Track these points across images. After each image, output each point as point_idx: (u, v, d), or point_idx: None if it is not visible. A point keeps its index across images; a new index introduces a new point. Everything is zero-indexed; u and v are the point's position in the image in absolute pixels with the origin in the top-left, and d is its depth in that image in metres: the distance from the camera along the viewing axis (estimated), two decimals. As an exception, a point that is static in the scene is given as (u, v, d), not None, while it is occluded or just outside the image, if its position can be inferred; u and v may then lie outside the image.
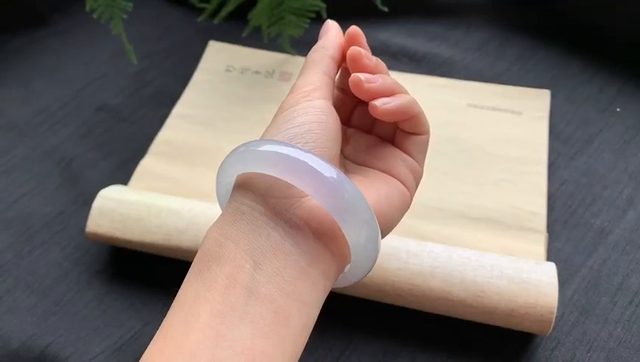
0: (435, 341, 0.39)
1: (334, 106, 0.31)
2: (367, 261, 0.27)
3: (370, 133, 0.32)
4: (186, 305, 0.24)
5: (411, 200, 0.31)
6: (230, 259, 0.24)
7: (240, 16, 0.55)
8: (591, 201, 0.45)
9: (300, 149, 0.25)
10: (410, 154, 0.31)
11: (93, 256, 0.44)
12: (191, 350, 0.22)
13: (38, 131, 0.53)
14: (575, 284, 0.41)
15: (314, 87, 0.29)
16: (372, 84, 0.28)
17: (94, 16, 0.48)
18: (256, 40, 0.57)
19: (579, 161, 0.47)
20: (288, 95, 0.29)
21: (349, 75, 0.29)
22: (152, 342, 0.24)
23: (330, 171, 0.24)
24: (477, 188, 0.45)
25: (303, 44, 0.56)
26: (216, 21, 0.55)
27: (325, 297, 0.26)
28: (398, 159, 0.30)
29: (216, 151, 0.49)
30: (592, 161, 0.47)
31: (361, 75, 0.28)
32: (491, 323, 0.37)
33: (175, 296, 0.25)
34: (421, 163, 0.31)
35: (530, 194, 0.44)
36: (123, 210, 0.41)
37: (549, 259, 0.41)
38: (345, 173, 0.29)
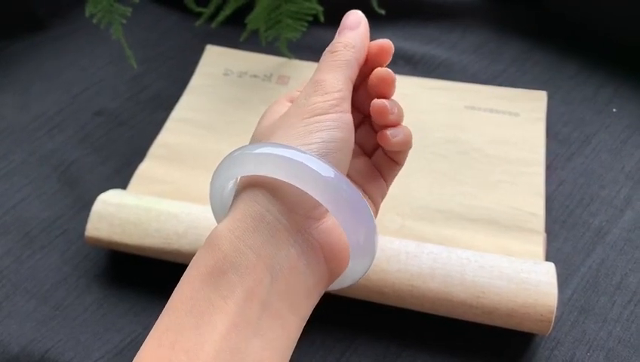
0: (435, 342, 0.39)
1: None
2: (366, 258, 0.27)
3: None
4: (198, 311, 0.23)
5: None
6: (250, 271, 0.24)
7: (237, 20, 0.55)
8: (589, 201, 0.45)
9: (300, 151, 0.25)
10: (386, 181, 0.32)
11: (93, 261, 0.44)
12: (205, 360, 0.22)
13: (37, 136, 0.53)
14: (574, 284, 0.41)
15: (343, 95, 0.28)
16: (397, 138, 0.29)
17: (94, 21, 0.48)
18: (253, 44, 0.57)
19: (576, 161, 0.47)
20: (315, 93, 0.28)
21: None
22: (149, 341, 0.23)
23: (328, 171, 0.25)
24: (476, 189, 0.45)
25: (300, 48, 0.56)
26: (213, 25, 0.55)
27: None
28: (379, 190, 0.31)
29: (215, 155, 0.49)
30: (589, 162, 0.47)
31: (389, 132, 0.29)
32: (491, 323, 0.37)
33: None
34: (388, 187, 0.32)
35: (528, 195, 0.44)
36: (122, 214, 0.41)
37: (547, 259, 0.42)
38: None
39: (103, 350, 0.39)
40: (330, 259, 0.26)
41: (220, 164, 0.28)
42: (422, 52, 0.57)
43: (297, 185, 0.25)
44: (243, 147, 0.27)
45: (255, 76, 0.55)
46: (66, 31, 0.63)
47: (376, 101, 0.28)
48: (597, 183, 0.46)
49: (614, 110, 0.51)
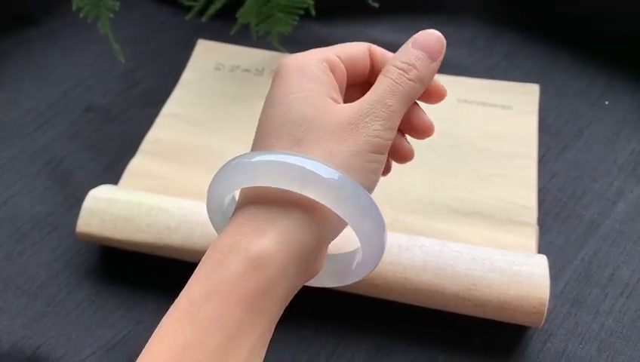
0: (428, 335, 0.39)
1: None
2: (376, 251, 0.27)
3: None
4: (226, 332, 0.23)
5: None
6: (282, 302, 0.25)
7: (228, 14, 0.55)
8: (581, 194, 0.45)
9: (303, 156, 0.25)
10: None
11: (84, 257, 0.44)
12: None
13: (27, 132, 0.52)
14: (566, 276, 0.41)
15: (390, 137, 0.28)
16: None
17: (81, 15, 0.48)
18: (245, 38, 0.56)
19: (568, 154, 0.48)
20: (377, 119, 0.27)
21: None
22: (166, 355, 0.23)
23: (331, 173, 0.25)
24: (468, 182, 0.45)
25: (292, 41, 0.56)
26: (204, 19, 0.55)
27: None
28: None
29: (207, 150, 0.49)
30: (581, 154, 0.47)
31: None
32: (483, 316, 0.37)
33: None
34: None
35: (520, 188, 0.44)
36: (113, 209, 0.41)
37: (540, 252, 0.42)
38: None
39: (94, 346, 0.39)
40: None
41: (218, 173, 0.27)
42: (414, 46, 0.57)
43: (310, 196, 0.25)
44: (241, 155, 0.27)
45: (247, 70, 0.54)
46: (57, 27, 0.62)
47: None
48: (589, 176, 0.46)
49: (606, 103, 0.51)
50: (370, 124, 0.27)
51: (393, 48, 0.56)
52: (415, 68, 0.28)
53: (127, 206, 0.41)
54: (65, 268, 0.43)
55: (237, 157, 0.26)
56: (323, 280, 0.30)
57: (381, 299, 0.39)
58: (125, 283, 0.42)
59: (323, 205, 0.25)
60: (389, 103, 0.27)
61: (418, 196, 0.44)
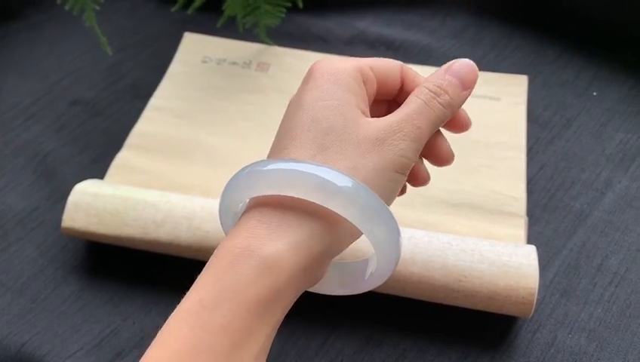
0: (417, 326, 0.38)
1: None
2: (391, 259, 0.27)
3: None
4: (236, 338, 0.23)
5: None
6: (288, 304, 0.26)
7: (215, 6, 0.54)
8: (570, 184, 0.45)
9: (314, 164, 0.25)
10: None
11: (70, 252, 0.43)
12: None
13: (12, 126, 0.51)
14: (555, 267, 0.41)
15: (411, 161, 0.28)
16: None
17: (66, 7, 0.47)
18: (232, 30, 0.56)
19: (557, 144, 0.47)
20: (405, 138, 0.27)
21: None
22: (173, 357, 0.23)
23: (344, 181, 0.24)
24: (457, 174, 0.45)
25: (279, 34, 0.56)
26: (190, 11, 0.54)
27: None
28: None
29: (193, 144, 0.48)
30: (570, 145, 0.47)
31: None
32: (473, 307, 0.37)
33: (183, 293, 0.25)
34: None
35: (509, 179, 0.44)
36: (99, 203, 0.40)
37: (529, 242, 0.42)
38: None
39: (81, 342, 0.39)
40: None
41: (233, 178, 0.27)
42: (403, 38, 0.56)
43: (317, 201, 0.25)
44: (256, 163, 0.26)
45: (234, 63, 0.54)
46: (41, 19, 0.61)
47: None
48: (578, 166, 0.46)
49: (595, 93, 0.51)
50: (397, 143, 0.26)
51: (381, 40, 0.56)
52: (447, 93, 0.28)
53: (112, 200, 0.41)
54: (50, 263, 0.43)
55: (255, 164, 0.26)
56: (334, 288, 0.30)
57: (370, 290, 0.38)
58: (112, 279, 0.42)
59: (338, 215, 0.25)
60: (418, 125, 0.27)
61: (407, 188, 0.44)
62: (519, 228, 0.42)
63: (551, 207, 0.44)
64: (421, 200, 0.43)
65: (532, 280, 0.35)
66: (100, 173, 0.47)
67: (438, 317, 0.38)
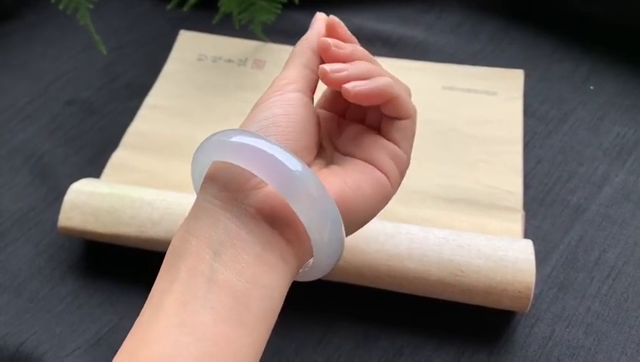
0: (414, 322, 0.38)
1: (329, 99, 0.32)
2: (331, 257, 0.27)
3: (363, 124, 0.32)
4: (154, 301, 0.24)
5: (394, 187, 0.30)
6: (191, 253, 0.24)
7: (210, 4, 0.54)
8: (567, 179, 0.45)
9: (270, 142, 0.25)
10: (393, 141, 0.30)
11: (67, 252, 0.43)
12: (153, 339, 0.22)
13: (7, 127, 0.51)
14: (553, 261, 0.41)
15: (288, 80, 0.29)
16: (339, 73, 0.28)
17: (60, 7, 0.47)
18: (227, 28, 0.56)
19: (554, 139, 0.47)
20: (266, 90, 0.29)
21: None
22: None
23: (295, 165, 0.24)
24: (454, 169, 0.45)
25: (275, 31, 0.56)
26: (185, 9, 0.54)
27: (288, 282, 0.26)
28: (378, 146, 0.30)
29: (190, 142, 0.47)
30: (567, 139, 0.47)
31: (327, 66, 0.28)
32: (470, 302, 0.37)
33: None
34: (406, 149, 0.31)
35: (506, 174, 0.44)
36: (95, 202, 0.40)
37: (526, 237, 0.42)
38: (326, 164, 0.30)
39: (79, 341, 0.39)
40: (273, 221, 0.25)
41: (196, 149, 0.28)
42: (399, 33, 0.56)
43: (258, 175, 0.25)
44: (216, 133, 0.27)
45: (230, 61, 0.54)
46: (36, 20, 0.61)
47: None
48: (575, 160, 0.46)
49: (591, 87, 0.51)
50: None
51: (378, 35, 0.56)
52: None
53: (109, 198, 0.40)
54: (48, 263, 0.43)
55: (217, 133, 0.27)
56: None
57: (367, 286, 0.38)
58: (109, 278, 0.42)
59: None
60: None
61: (403, 184, 0.44)
62: (516, 222, 0.42)
63: (548, 201, 0.44)
64: (417, 196, 0.43)
65: (529, 274, 0.35)
66: (96, 172, 0.47)
67: (435, 313, 0.38)
